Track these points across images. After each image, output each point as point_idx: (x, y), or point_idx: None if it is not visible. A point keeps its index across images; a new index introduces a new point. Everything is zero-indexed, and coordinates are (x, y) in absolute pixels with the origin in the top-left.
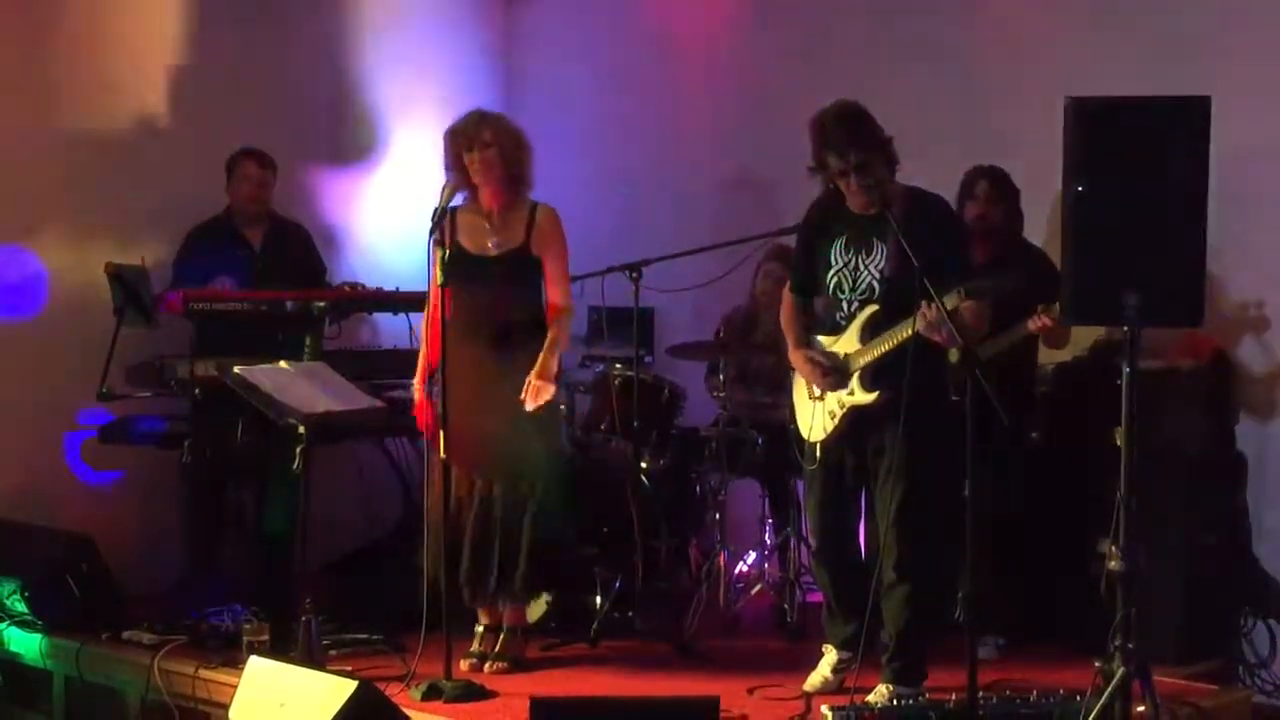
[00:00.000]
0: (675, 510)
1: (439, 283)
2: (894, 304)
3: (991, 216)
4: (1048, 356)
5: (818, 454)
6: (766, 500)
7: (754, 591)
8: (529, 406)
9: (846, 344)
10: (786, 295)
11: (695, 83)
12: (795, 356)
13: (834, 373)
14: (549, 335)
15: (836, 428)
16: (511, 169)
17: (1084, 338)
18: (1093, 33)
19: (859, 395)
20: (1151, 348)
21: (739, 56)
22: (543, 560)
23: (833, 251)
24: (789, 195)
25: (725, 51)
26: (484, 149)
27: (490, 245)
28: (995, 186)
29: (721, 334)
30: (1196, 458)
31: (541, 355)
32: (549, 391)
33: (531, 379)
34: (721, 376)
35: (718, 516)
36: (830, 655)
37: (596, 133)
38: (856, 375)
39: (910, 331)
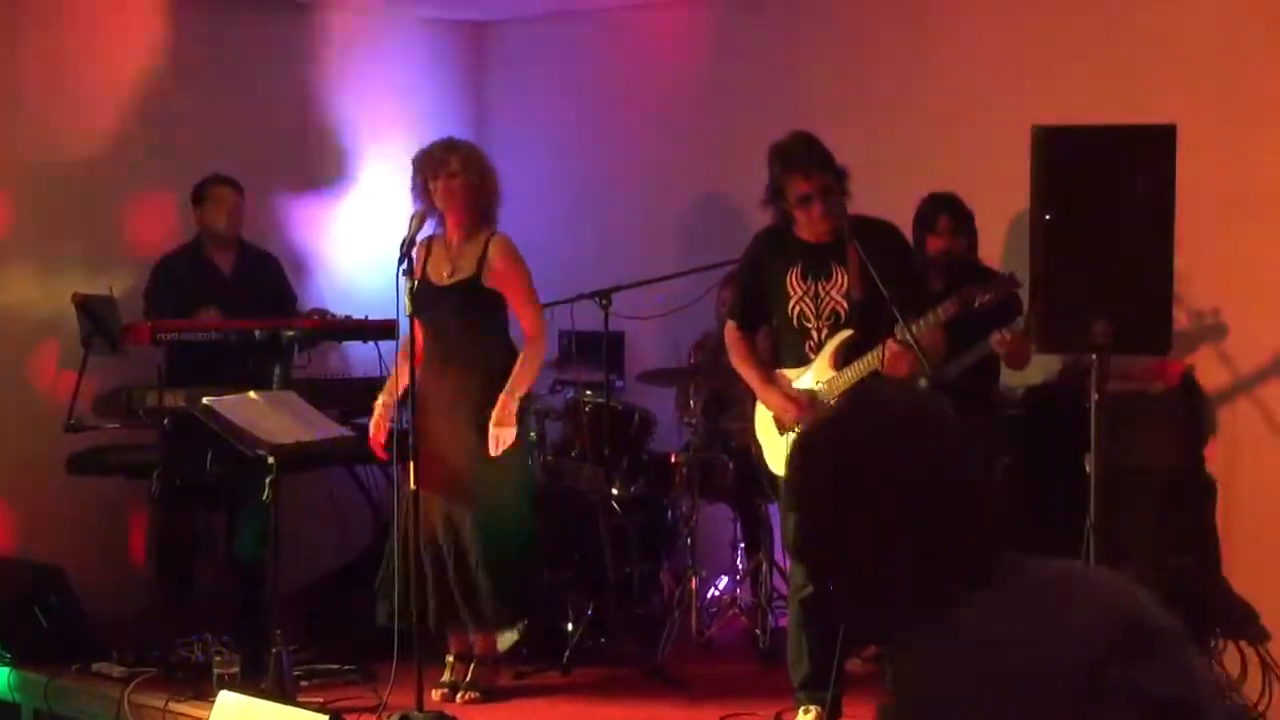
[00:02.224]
0: (647, 536)
1: (408, 313)
2: (866, 327)
3: (955, 249)
4: (1017, 379)
5: None
6: (738, 524)
7: (727, 616)
8: (493, 453)
9: (819, 372)
10: (733, 332)
11: (663, 111)
12: (767, 394)
13: (810, 408)
14: (514, 370)
15: None
16: (476, 200)
17: (1052, 359)
18: (1058, 62)
19: None
20: (1121, 370)
21: (705, 85)
22: (511, 588)
23: (788, 281)
24: (757, 221)
25: (692, 80)
26: (449, 177)
27: (446, 275)
28: (954, 218)
29: (693, 359)
30: (1167, 480)
31: (501, 397)
32: (510, 435)
33: (491, 428)
34: (691, 402)
35: (689, 541)
36: (811, 714)
37: (566, 160)
38: (832, 402)
39: (879, 363)
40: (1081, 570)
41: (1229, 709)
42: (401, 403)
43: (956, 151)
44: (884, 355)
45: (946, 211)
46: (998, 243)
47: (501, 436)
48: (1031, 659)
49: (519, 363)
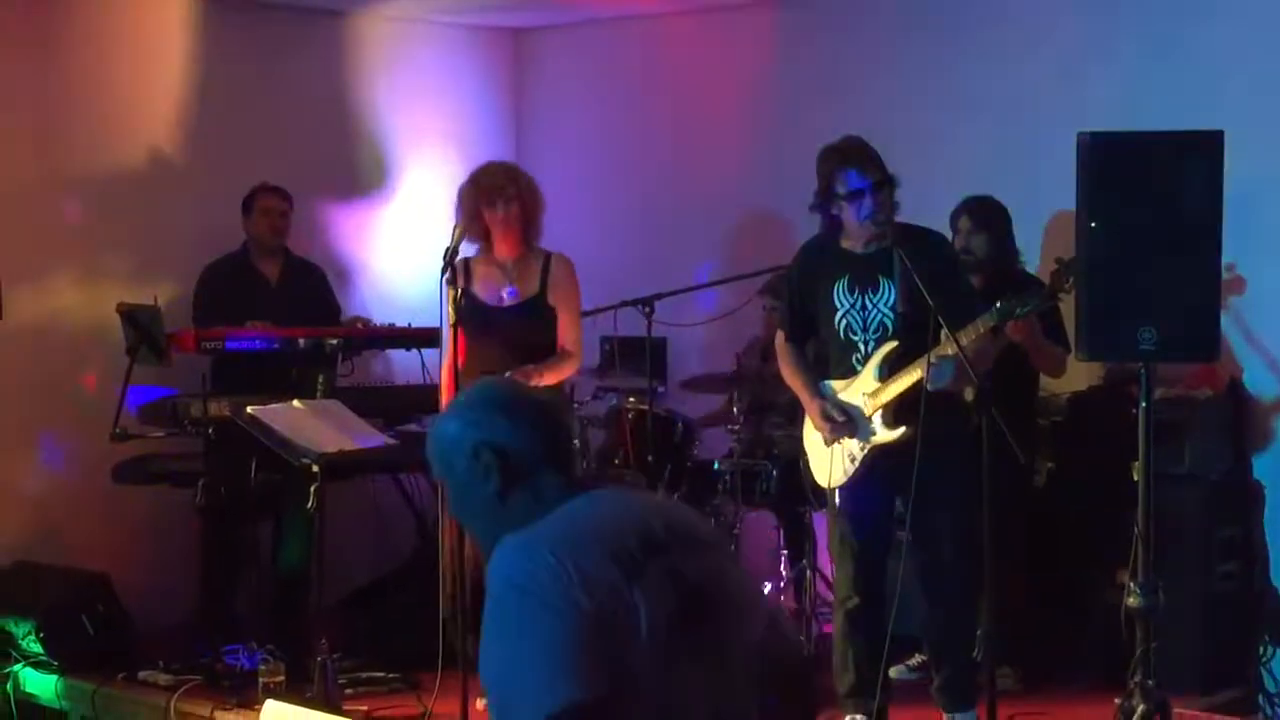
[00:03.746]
0: None
1: (451, 322)
2: (911, 339)
3: (973, 248)
4: (1059, 386)
5: (837, 500)
6: (781, 532)
7: None
8: None
9: (863, 384)
10: (782, 344)
11: (703, 118)
12: (811, 408)
13: (849, 424)
14: (550, 360)
15: (859, 468)
16: (530, 224)
17: (1094, 365)
18: (1105, 66)
19: (882, 434)
20: (1166, 376)
21: (746, 91)
22: None
23: (835, 293)
24: (800, 228)
25: (733, 86)
26: (507, 205)
27: (505, 296)
28: (974, 218)
29: (737, 366)
30: (1213, 486)
31: (531, 367)
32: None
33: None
34: (735, 409)
35: (733, 549)
36: None
37: (607, 166)
38: (879, 414)
39: (923, 375)
40: (645, 493)
41: (773, 613)
42: None
43: (1004, 156)
44: (927, 369)
45: (967, 212)
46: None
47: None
48: (598, 542)
49: (557, 357)
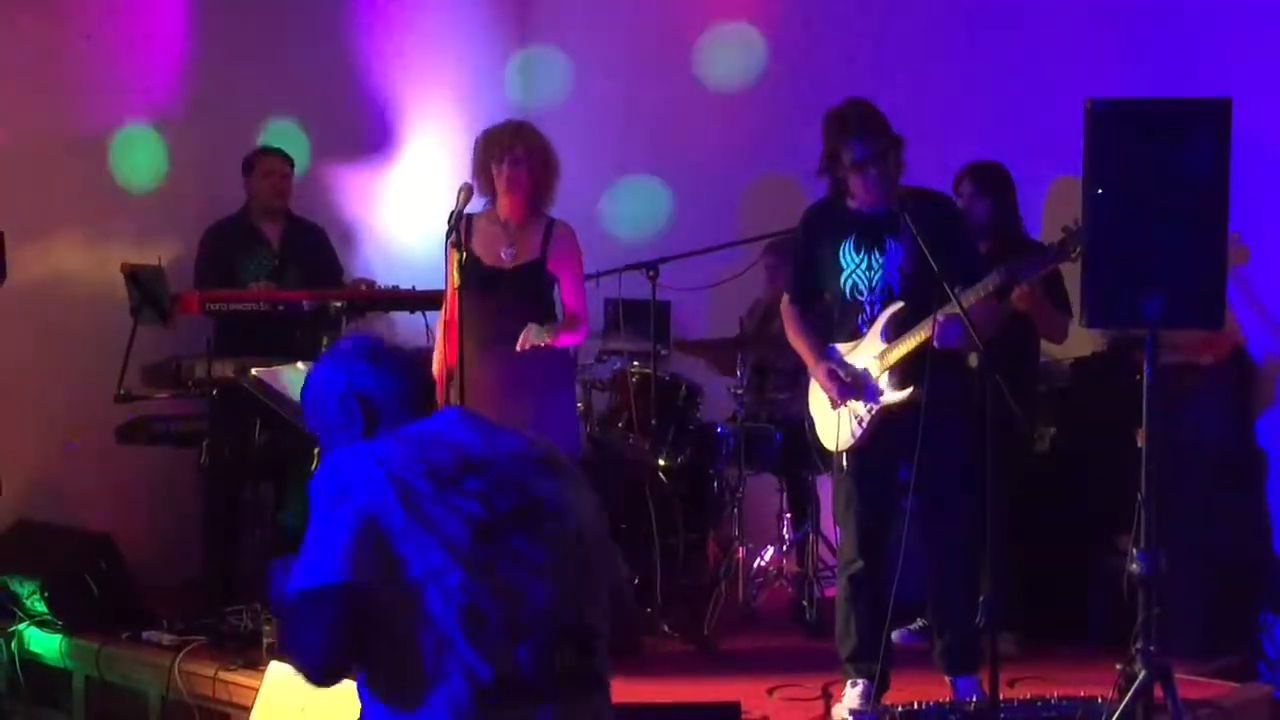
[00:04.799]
0: (693, 506)
1: (454, 285)
2: (918, 299)
3: (977, 213)
4: (1062, 351)
5: (844, 463)
6: (784, 495)
7: (773, 587)
8: (522, 344)
9: (870, 345)
10: (788, 307)
11: (714, 77)
12: (818, 370)
13: (855, 387)
14: (559, 323)
15: (866, 431)
16: (537, 186)
17: (1098, 331)
18: (1111, 34)
19: (889, 395)
20: (1170, 342)
21: (753, 53)
22: None
23: (841, 254)
24: (806, 191)
25: (740, 48)
26: (514, 164)
27: (504, 256)
28: (979, 182)
29: (741, 329)
30: (1217, 453)
31: (547, 327)
32: (540, 339)
33: (530, 331)
34: (739, 371)
35: (735, 512)
36: (859, 688)
37: (613, 128)
38: (885, 375)
39: (929, 335)
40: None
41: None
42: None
43: (1008, 121)
44: (934, 328)
45: (971, 176)
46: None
47: (533, 336)
48: (418, 459)
49: (567, 320)
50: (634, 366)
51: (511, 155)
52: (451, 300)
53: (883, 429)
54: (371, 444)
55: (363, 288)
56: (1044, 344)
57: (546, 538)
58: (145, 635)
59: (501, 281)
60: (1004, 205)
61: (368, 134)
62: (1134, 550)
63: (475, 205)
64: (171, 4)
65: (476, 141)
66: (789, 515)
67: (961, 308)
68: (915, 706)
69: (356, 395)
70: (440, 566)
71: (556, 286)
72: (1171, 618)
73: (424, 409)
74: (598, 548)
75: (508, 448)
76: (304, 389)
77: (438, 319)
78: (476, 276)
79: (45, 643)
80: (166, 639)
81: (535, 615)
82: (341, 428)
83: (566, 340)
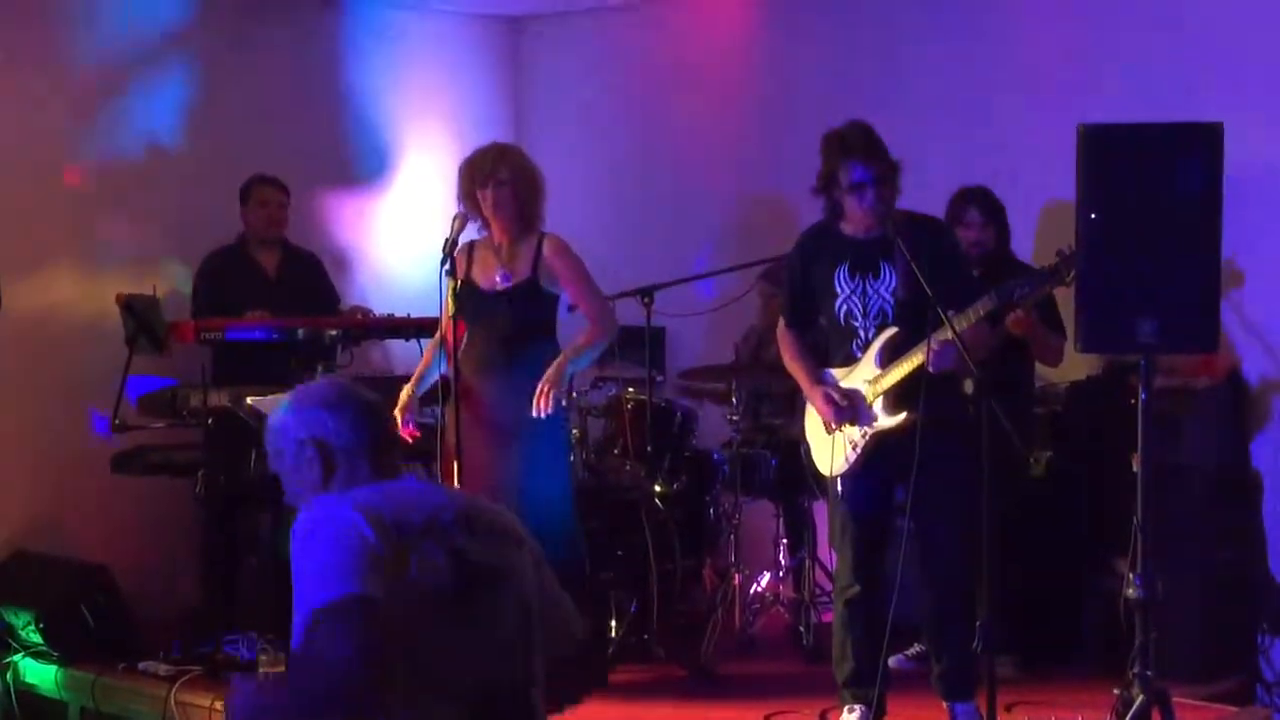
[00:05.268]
0: (689, 533)
1: (450, 313)
2: (912, 324)
3: (985, 241)
4: (1059, 375)
5: (839, 488)
6: (780, 520)
7: (770, 613)
8: (536, 411)
9: (864, 371)
10: (784, 332)
11: (706, 103)
12: (814, 395)
13: (851, 410)
14: (576, 341)
15: (861, 456)
16: (523, 207)
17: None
18: (1104, 59)
19: (884, 420)
20: (1165, 365)
21: (747, 79)
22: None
23: (836, 279)
24: (801, 216)
25: (734, 75)
26: (498, 187)
27: (498, 279)
28: (984, 210)
29: (736, 355)
30: (1213, 474)
31: (560, 358)
32: (556, 388)
33: (543, 384)
34: (734, 398)
35: (732, 538)
36: (856, 713)
37: (607, 155)
38: (880, 400)
39: (924, 359)
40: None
41: (554, 597)
42: (432, 399)
43: (1001, 147)
44: (928, 353)
45: (976, 204)
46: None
47: (548, 395)
48: (392, 513)
49: (584, 336)
50: (629, 393)
51: (495, 179)
52: (447, 328)
53: (878, 454)
54: (353, 493)
55: (358, 316)
56: (1039, 367)
57: (496, 605)
58: (141, 666)
59: (497, 305)
60: (1003, 231)
61: (360, 161)
62: (1130, 575)
63: (477, 232)
64: (165, 33)
65: (460, 169)
66: (785, 541)
67: (955, 333)
68: None
69: (315, 444)
70: (400, 624)
71: (557, 302)
72: (1169, 641)
73: (383, 460)
74: (539, 609)
75: (467, 512)
76: (266, 434)
77: (429, 343)
78: (473, 302)
79: (41, 674)
80: (163, 669)
81: (478, 678)
82: (299, 474)
83: (591, 353)
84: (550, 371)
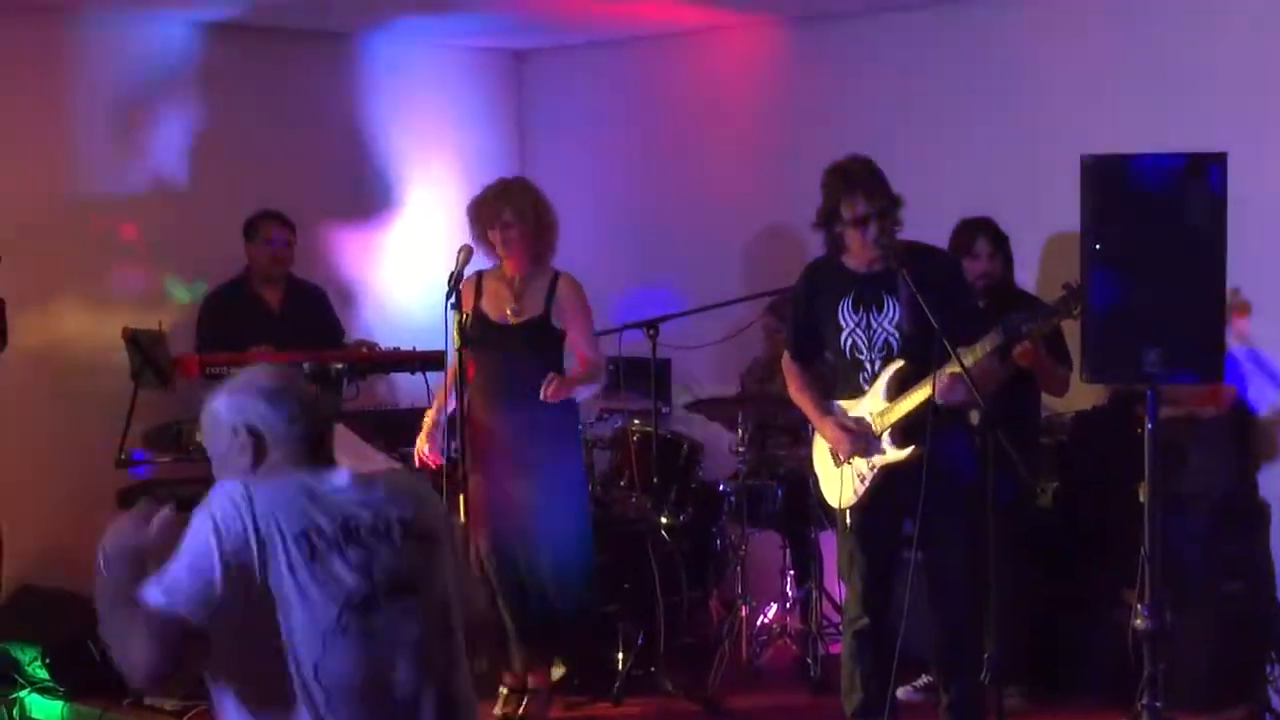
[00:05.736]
0: (696, 564)
1: (456, 346)
2: (918, 358)
3: (993, 271)
4: (1064, 405)
5: (848, 520)
6: (787, 552)
7: (777, 644)
8: (547, 396)
9: (871, 403)
10: (789, 364)
11: (709, 136)
12: (824, 426)
13: (863, 439)
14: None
15: (869, 489)
16: (534, 243)
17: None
18: (1109, 93)
19: (891, 454)
20: (1171, 395)
21: (751, 112)
22: (567, 624)
23: (840, 312)
24: (806, 248)
25: (738, 107)
26: (505, 228)
27: (510, 313)
28: (992, 241)
29: (742, 386)
30: (1219, 504)
31: (568, 377)
32: (564, 391)
33: (552, 382)
34: (740, 430)
35: (739, 569)
36: None
37: (611, 187)
38: (887, 434)
39: (931, 392)
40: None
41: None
42: (449, 433)
43: (1006, 179)
44: (935, 385)
45: (983, 234)
46: (1051, 271)
47: (558, 385)
48: (297, 519)
49: (587, 373)
50: (635, 425)
51: (502, 220)
52: (453, 361)
53: (885, 486)
54: (258, 486)
55: (363, 349)
56: (1045, 397)
57: (417, 612)
58: (147, 701)
59: (507, 337)
60: (1009, 262)
61: (365, 194)
62: (1138, 605)
63: (487, 262)
64: (171, 68)
65: (469, 209)
66: (792, 572)
67: (963, 366)
68: None
69: (249, 430)
70: (302, 632)
71: (565, 340)
72: (1176, 670)
73: (316, 454)
74: (458, 598)
75: (387, 518)
76: (202, 417)
77: (442, 378)
78: (483, 333)
79: (47, 709)
80: (169, 705)
81: (398, 690)
82: (231, 460)
83: (585, 391)
84: (557, 382)
